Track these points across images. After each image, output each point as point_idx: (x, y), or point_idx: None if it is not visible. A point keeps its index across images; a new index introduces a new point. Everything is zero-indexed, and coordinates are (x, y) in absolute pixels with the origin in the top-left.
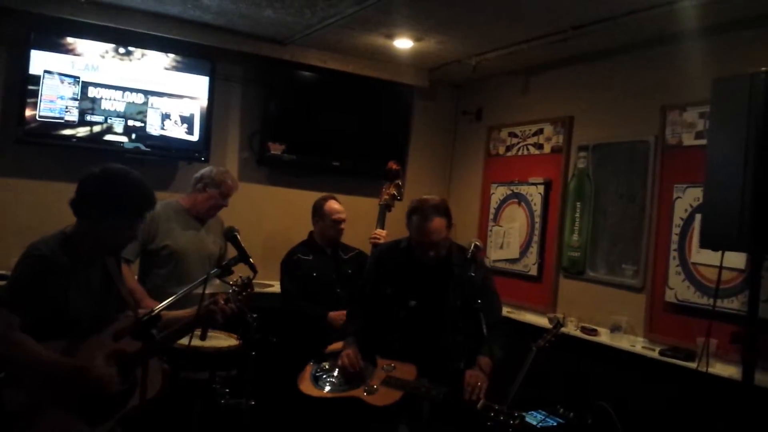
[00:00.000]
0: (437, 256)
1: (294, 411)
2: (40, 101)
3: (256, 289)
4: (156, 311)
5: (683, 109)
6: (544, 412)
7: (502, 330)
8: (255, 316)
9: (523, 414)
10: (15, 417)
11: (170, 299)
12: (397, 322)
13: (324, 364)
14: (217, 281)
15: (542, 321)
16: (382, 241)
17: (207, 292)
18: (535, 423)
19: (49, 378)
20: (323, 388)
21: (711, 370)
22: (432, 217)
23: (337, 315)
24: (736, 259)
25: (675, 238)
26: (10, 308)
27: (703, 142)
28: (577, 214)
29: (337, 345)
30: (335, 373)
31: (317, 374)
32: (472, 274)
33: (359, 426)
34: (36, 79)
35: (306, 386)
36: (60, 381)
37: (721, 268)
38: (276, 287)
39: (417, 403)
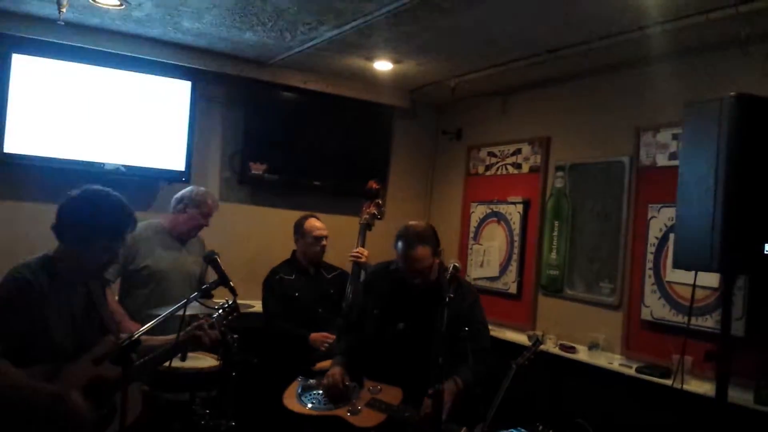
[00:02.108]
0: (424, 282)
1: (276, 428)
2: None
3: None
4: (136, 336)
5: (657, 130)
6: (523, 430)
7: (484, 359)
8: (236, 336)
9: None
10: None
11: (151, 323)
12: (385, 343)
13: (311, 381)
14: (197, 304)
15: (521, 338)
16: (363, 259)
17: (187, 314)
18: None
19: (25, 405)
20: (307, 405)
21: (686, 386)
22: (416, 246)
23: (319, 336)
24: (710, 279)
25: (650, 256)
26: None
27: (676, 162)
28: (555, 233)
29: (325, 363)
30: (321, 391)
31: (303, 391)
32: (451, 295)
33: None
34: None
35: (290, 402)
36: (36, 408)
37: (694, 287)
38: (258, 307)
39: (400, 429)
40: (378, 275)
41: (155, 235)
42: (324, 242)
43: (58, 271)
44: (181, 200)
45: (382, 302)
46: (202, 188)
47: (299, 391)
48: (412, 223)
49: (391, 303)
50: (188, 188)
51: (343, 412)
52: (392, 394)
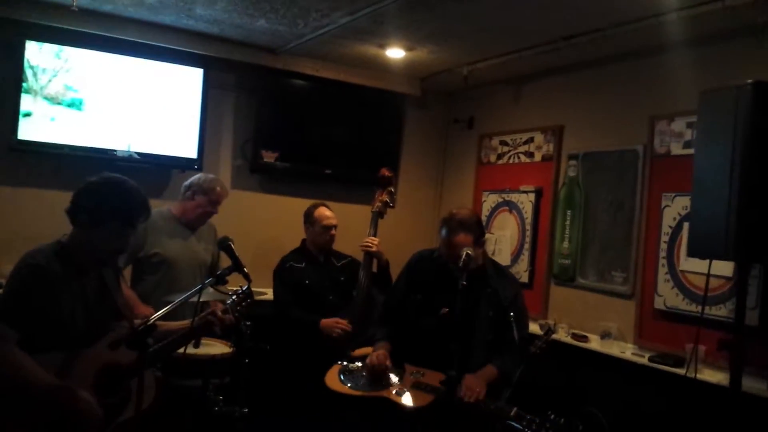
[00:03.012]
0: (467, 269)
1: (294, 412)
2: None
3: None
4: (152, 320)
5: (671, 118)
6: (530, 429)
7: (521, 347)
8: (248, 323)
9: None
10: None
11: (166, 308)
12: (427, 329)
13: (352, 364)
14: (212, 290)
15: (534, 328)
16: (374, 249)
17: (201, 300)
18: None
19: (37, 397)
20: (349, 387)
21: (699, 376)
22: (457, 232)
23: (330, 322)
24: (724, 267)
25: (664, 245)
26: (9, 323)
27: (691, 151)
28: (568, 222)
29: (364, 350)
30: (363, 374)
31: (344, 374)
32: (464, 283)
33: (386, 426)
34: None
35: (333, 383)
36: (49, 403)
37: (708, 276)
38: (269, 295)
39: (446, 411)
40: (421, 262)
41: (165, 222)
42: (333, 231)
43: (70, 256)
44: (189, 187)
45: (425, 288)
46: (211, 175)
47: (341, 373)
48: (457, 209)
49: (434, 289)
50: (197, 175)
51: (389, 393)
52: (435, 379)
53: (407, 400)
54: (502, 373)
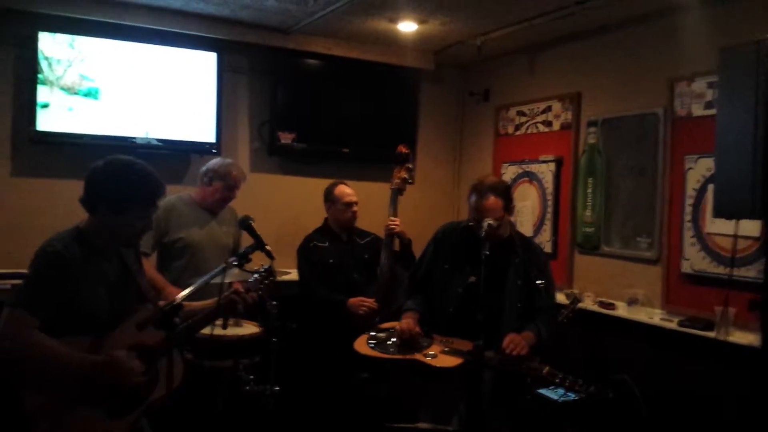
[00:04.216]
0: (496, 236)
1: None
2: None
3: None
4: (178, 300)
5: (691, 79)
6: (563, 387)
7: (551, 315)
8: (275, 303)
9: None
10: (35, 417)
11: (190, 289)
12: (455, 297)
13: (380, 334)
14: (236, 270)
15: (560, 297)
16: (397, 230)
17: (225, 281)
18: (556, 398)
19: (73, 376)
20: (379, 351)
21: (730, 338)
22: (488, 195)
23: (357, 300)
24: (751, 227)
25: (688, 209)
26: (29, 309)
27: (713, 111)
28: (590, 190)
29: (391, 323)
30: (392, 340)
31: (373, 341)
32: (487, 253)
33: (418, 387)
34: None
35: (363, 348)
36: (84, 378)
37: (735, 236)
38: (293, 275)
39: (477, 376)
40: (448, 232)
41: (187, 207)
42: (355, 208)
43: (89, 241)
44: (206, 173)
45: (453, 258)
46: (228, 160)
47: (369, 341)
48: (485, 176)
49: (462, 258)
50: (214, 160)
51: (420, 356)
52: (464, 346)
53: (438, 362)
54: (539, 337)
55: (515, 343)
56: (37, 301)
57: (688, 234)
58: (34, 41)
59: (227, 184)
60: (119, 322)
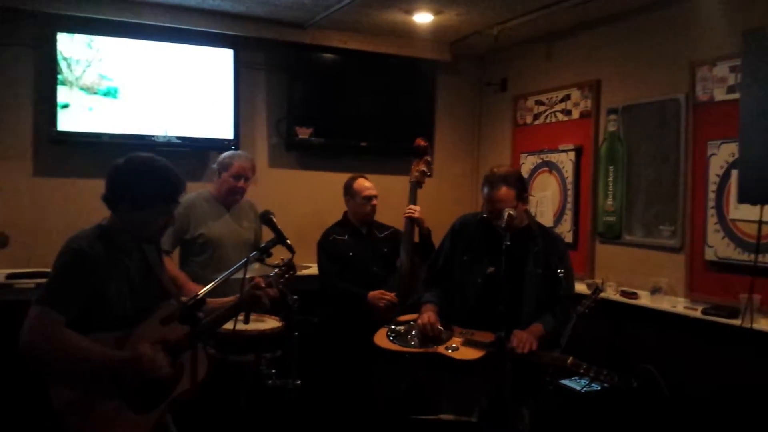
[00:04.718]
0: (512, 227)
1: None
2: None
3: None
4: (201, 294)
5: (713, 64)
6: (587, 377)
7: (566, 306)
8: (296, 297)
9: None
10: (64, 412)
11: (212, 283)
12: (474, 288)
13: (399, 327)
14: (257, 265)
15: (581, 287)
16: (416, 215)
17: (247, 276)
18: (579, 388)
19: (101, 372)
20: (399, 345)
21: (755, 325)
22: (500, 186)
23: (377, 294)
24: None
25: (712, 195)
26: (56, 307)
27: (736, 96)
28: (611, 178)
29: (409, 316)
30: (412, 333)
31: (392, 335)
32: (508, 243)
33: (438, 379)
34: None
35: (383, 341)
36: (112, 374)
37: (760, 222)
38: (313, 269)
39: (500, 368)
40: (466, 224)
41: (206, 203)
42: (374, 201)
43: (112, 238)
44: (216, 166)
45: (471, 249)
46: (237, 151)
47: (389, 335)
48: (497, 167)
49: (480, 249)
50: (223, 153)
51: (441, 349)
52: (485, 338)
53: (460, 354)
54: (548, 330)
55: (522, 340)
56: (63, 298)
57: (712, 221)
58: (53, 42)
59: (231, 174)
60: (143, 319)
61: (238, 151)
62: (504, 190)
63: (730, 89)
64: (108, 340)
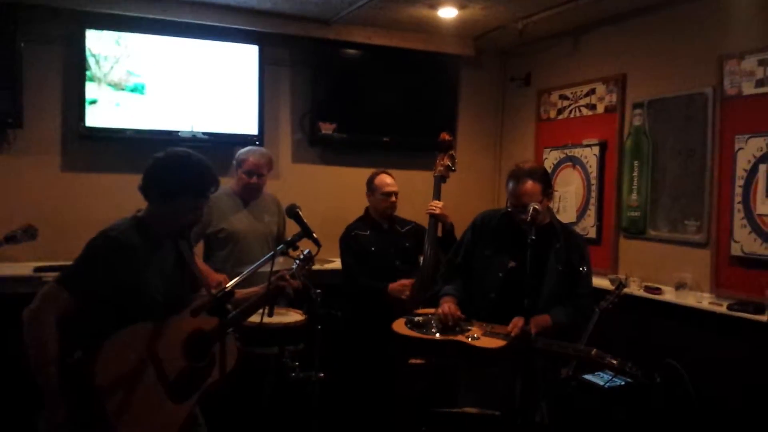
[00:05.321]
0: (535, 222)
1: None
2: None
3: (318, 266)
4: (229, 287)
5: (741, 57)
6: (610, 373)
7: (584, 304)
8: (319, 291)
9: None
10: (105, 393)
11: (240, 276)
12: (495, 282)
13: (417, 318)
14: (282, 258)
15: (604, 283)
16: (438, 211)
17: (268, 269)
18: (602, 383)
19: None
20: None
21: None
22: (526, 180)
23: (397, 285)
24: None
25: (739, 190)
26: (68, 287)
27: (765, 90)
28: (635, 173)
29: (427, 309)
30: (431, 323)
31: (412, 324)
32: (533, 237)
33: (457, 371)
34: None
35: (403, 329)
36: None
37: None
38: (336, 263)
39: (527, 362)
40: (487, 219)
41: (227, 198)
42: (393, 198)
43: (147, 229)
44: (234, 162)
45: (494, 242)
46: (254, 147)
47: (408, 323)
48: (522, 162)
49: (502, 243)
50: (242, 149)
51: (463, 338)
52: (505, 330)
53: (481, 343)
54: (557, 322)
55: (514, 324)
56: (80, 281)
57: (738, 216)
58: (82, 39)
59: (245, 170)
60: (176, 310)
61: (255, 147)
62: (530, 184)
63: (759, 83)
64: (145, 329)
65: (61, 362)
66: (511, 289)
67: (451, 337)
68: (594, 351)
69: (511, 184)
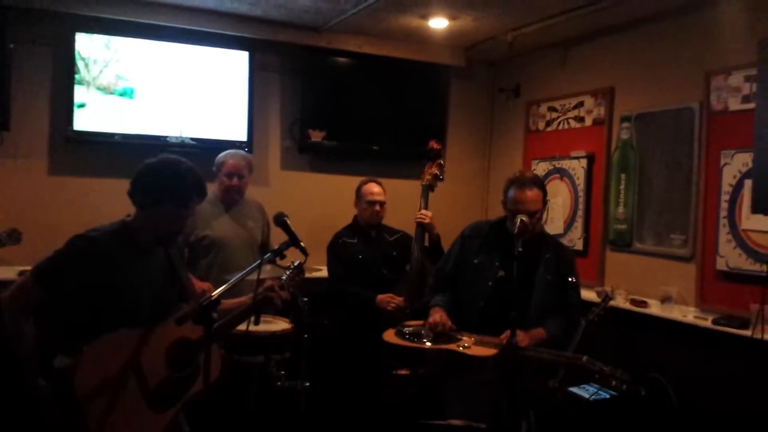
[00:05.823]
0: (530, 231)
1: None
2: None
3: (306, 274)
4: (215, 296)
5: (728, 73)
6: (596, 385)
7: (570, 313)
8: (306, 300)
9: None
10: (86, 401)
11: (227, 284)
12: (485, 290)
13: (407, 328)
14: (269, 266)
15: (590, 295)
16: (427, 220)
17: (255, 278)
18: (587, 396)
19: None
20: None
21: (766, 336)
22: (530, 186)
23: (386, 297)
24: None
25: (724, 205)
26: (41, 282)
27: (751, 106)
28: (622, 186)
29: (416, 322)
30: (422, 333)
31: (402, 335)
32: (520, 249)
33: (445, 382)
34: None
35: (391, 338)
36: None
37: None
38: (323, 272)
39: (513, 373)
40: (477, 230)
41: (208, 204)
42: (377, 207)
43: (132, 235)
44: (214, 167)
45: (484, 251)
46: (231, 150)
47: (397, 335)
48: (522, 170)
49: (491, 252)
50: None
51: (454, 347)
52: (495, 341)
53: (473, 351)
54: (550, 335)
55: (507, 336)
56: (54, 277)
57: (724, 231)
58: (72, 42)
59: (224, 173)
60: (163, 318)
61: (233, 150)
62: (535, 191)
63: (745, 99)
64: (131, 336)
65: (41, 363)
66: (499, 299)
67: (443, 346)
68: (585, 358)
69: (513, 191)
